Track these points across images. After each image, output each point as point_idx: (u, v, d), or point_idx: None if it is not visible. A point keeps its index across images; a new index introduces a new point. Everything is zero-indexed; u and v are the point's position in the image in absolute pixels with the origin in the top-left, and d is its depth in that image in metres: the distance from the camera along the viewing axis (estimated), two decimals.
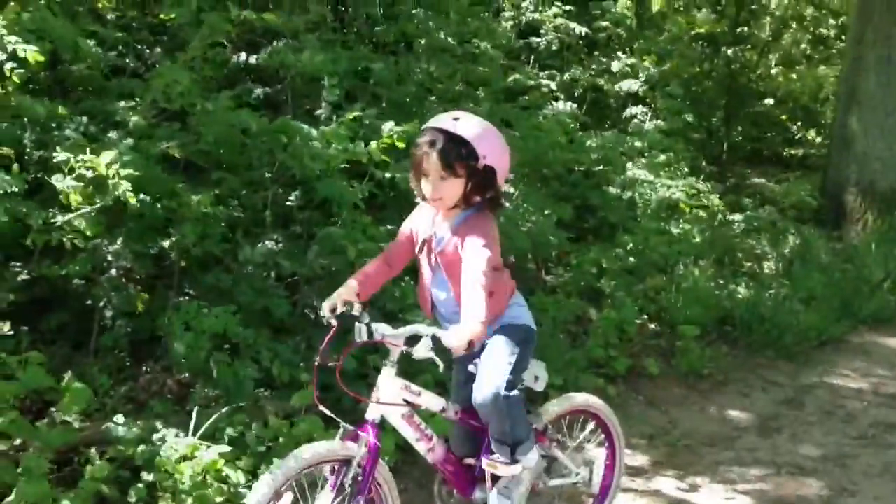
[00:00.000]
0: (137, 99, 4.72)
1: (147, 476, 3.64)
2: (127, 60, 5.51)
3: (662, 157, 8.26)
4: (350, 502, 3.02)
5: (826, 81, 12.79)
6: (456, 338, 2.85)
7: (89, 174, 3.91)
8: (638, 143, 8.34)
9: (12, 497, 3.38)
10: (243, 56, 5.84)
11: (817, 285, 7.73)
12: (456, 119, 3.09)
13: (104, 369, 4.45)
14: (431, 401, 3.30)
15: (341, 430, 3.09)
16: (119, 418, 3.91)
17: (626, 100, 9.27)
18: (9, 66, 4.15)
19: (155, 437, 3.78)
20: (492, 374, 3.18)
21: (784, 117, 12.55)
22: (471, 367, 3.30)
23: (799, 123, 12.75)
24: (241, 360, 4.43)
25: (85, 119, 4.53)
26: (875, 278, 8.24)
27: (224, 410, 3.99)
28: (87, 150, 3.99)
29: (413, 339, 3.00)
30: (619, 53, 9.43)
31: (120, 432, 3.79)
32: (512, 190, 6.73)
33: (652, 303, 6.84)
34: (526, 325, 3.39)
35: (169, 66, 4.84)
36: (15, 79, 4.12)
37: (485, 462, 3.34)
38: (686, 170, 8.56)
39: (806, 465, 4.93)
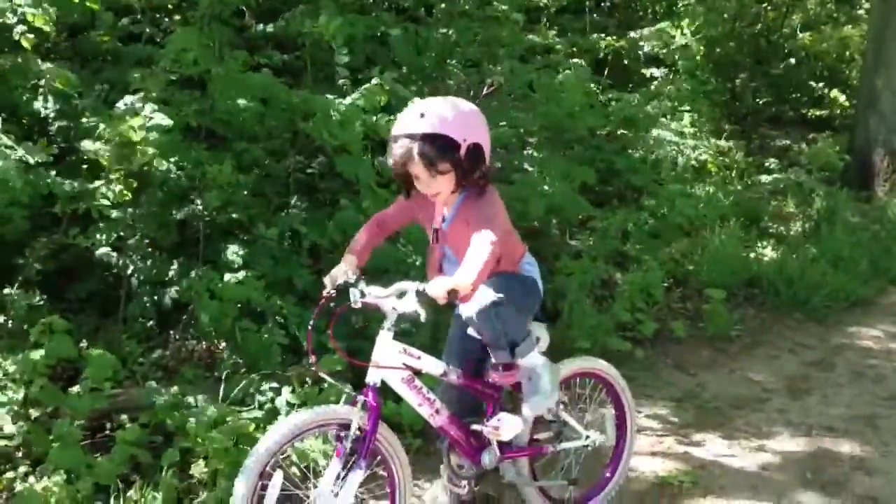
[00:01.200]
0: (153, 66, 4.68)
1: (180, 441, 3.66)
2: (144, 27, 5.49)
3: (686, 119, 8.16)
4: (352, 465, 2.99)
5: (851, 41, 12.57)
6: (438, 286, 2.83)
7: (116, 140, 3.90)
8: (662, 103, 8.22)
9: (48, 463, 3.41)
10: (261, 26, 5.81)
11: (845, 246, 7.65)
12: (422, 115, 3.01)
13: (133, 337, 4.48)
14: (432, 364, 3.27)
15: (344, 395, 3.10)
16: (150, 385, 3.92)
17: (645, 60, 9.13)
18: (19, 29, 4.14)
19: (186, 403, 3.80)
20: (483, 293, 3.13)
21: (809, 78, 12.36)
22: (471, 331, 3.29)
23: (824, 84, 12.56)
24: (267, 327, 4.44)
25: (105, 87, 4.52)
26: None
27: (254, 376, 3.99)
28: (111, 116, 3.99)
29: (403, 296, 3.01)
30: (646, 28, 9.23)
31: (151, 398, 3.80)
32: (535, 153, 6.68)
33: (678, 266, 6.79)
34: (533, 277, 3.40)
35: (181, 32, 4.79)
36: (25, 43, 4.10)
37: (486, 430, 3.32)
38: (710, 130, 8.45)
39: (837, 426, 4.89)
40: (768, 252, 7.39)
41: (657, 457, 4.46)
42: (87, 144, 3.91)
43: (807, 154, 10.04)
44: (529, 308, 3.43)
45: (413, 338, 4.45)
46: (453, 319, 3.52)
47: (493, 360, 3.32)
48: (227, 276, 4.39)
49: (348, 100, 5.06)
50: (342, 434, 3.02)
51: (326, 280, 3.16)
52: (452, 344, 3.48)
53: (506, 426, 3.29)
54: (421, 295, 2.90)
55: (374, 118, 5.05)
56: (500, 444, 3.41)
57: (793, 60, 11.86)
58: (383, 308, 3.07)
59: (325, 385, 4.07)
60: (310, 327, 3.09)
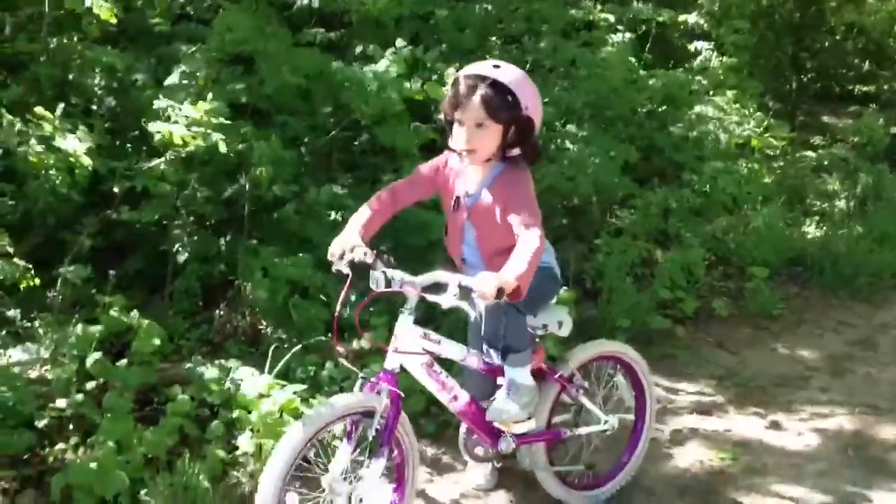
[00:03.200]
0: (202, 45, 4.75)
1: (225, 414, 3.73)
2: (190, 9, 5.56)
3: (730, 94, 8.06)
4: (375, 453, 2.99)
5: None
6: (485, 282, 2.74)
7: (183, 121, 3.99)
8: (704, 81, 8.12)
9: (98, 435, 3.49)
10: (305, 1, 5.83)
11: (891, 224, 7.53)
12: (497, 66, 3.03)
13: (179, 313, 4.56)
14: (452, 349, 3.24)
15: (360, 380, 3.04)
16: (196, 359, 4.00)
17: (690, 35, 9.03)
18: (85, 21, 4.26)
19: (231, 376, 3.86)
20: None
21: (855, 54, 12.14)
22: None
23: (871, 60, 12.32)
24: (311, 303, 4.49)
25: (153, 62, 4.61)
26: None
27: (296, 348, 4.02)
28: (185, 100, 4.08)
29: (434, 287, 2.94)
30: None
31: (198, 372, 3.87)
32: (576, 131, 6.64)
33: (720, 244, 6.73)
34: (550, 265, 3.35)
35: (229, 12, 4.85)
36: (94, 32, 4.21)
37: (488, 417, 3.31)
38: (754, 108, 8.33)
39: (880, 405, 4.86)
40: (812, 230, 7.31)
41: (698, 435, 4.46)
42: (156, 126, 3.99)
43: (851, 130, 9.86)
44: (548, 300, 3.42)
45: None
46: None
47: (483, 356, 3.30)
48: (278, 257, 4.44)
49: (381, 66, 5.09)
50: (358, 420, 2.99)
51: (332, 251, 3.03)
52: (475, 333, 3.43)
53: (500, 408, 3.26)
54: (464, 290, 2.81)
55: (409, 84, 5.06)
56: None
57: (838, 36, 11.64)
58: (406, 293, 3.00)
59: (368, 359, 4.12)
60: (336, 313, 3.00)
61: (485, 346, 3.28)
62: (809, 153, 8.87)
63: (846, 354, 5.61)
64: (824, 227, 7.39)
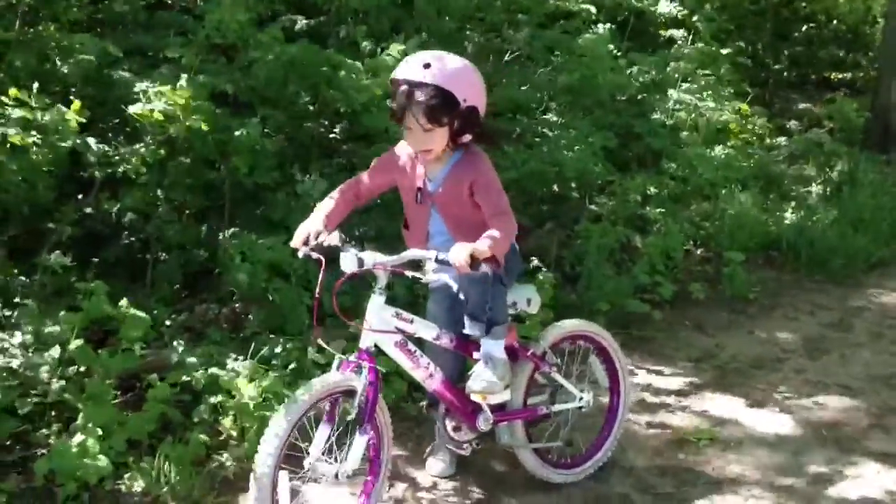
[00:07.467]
0: (189, 35, 4.75)
1: (208, 399, 3.75)
2: None
3: (706, 81, 8.11)
4: (356, 431, 3.04)
5: (875, 2, 12.43)
6: (458, 252, 2.86)
7: (161, 105, 3.98)
8: (681, 65, 8.16)
9: (79, 420, 3.51)
10: None
11: (865, 209, 7.64)
12: (427, 66, 3.02)
13: (160, 300, 4.57)
14: (424, 328, 3.30)
15: (337, 360, 3.11)
16: (179, 344, 4.02)
17: (667, 24, 9.08)
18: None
19: (215, 361, 3.88)
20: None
21: (831, 41, 12.26)
22: (460, 295, 3.30)
23: (846, 47, 12.45)
24: (292, 287, 4.52)
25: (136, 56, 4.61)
26: None
27: (282, 339, 4.06)
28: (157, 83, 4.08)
29: (408, 266, 3.01)
30: None
31: (181, 357, 3.89)
32: (555, 118, 6.69)
33: (698, 229, 6.80)
34: (514, 244, 3.40)
35: (222, 1, 4.85)
36: (72, 16, 4.19)
37: (468, 389, 3.35)
38: (731, 92, 8.40)
39: (854, 386, 4.94)
40: (788, 215, 7.40)
41: (676, 414, 4.53)
42: (135, 108, 3.99)
43: (826, 113, 9.96)
44: (514, 277, 3.49)
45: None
46: (432, 294, 3.57)
47: (465, 329, 3.35)
48: (259, 240, 4.46)
49: (376, 57, 5.15)
50: (336, 400, 3.05)
51: (296, 239, 3.11)
52: (439, 316, 3.48)
53: (479, 378, 3.31)
54: (441, 262, 2.92)
55: None
56: (493, 407, 3.44)
57: (813, 24, 11.75)
58: (377, 273, 3.07)
59: (345, 346, 4.14)
60: (316, 295, 3.09)
61: (467, 320, 3.31)
62: (785, 139, 8.94)
63: (821, 336, 5.70)
64: (800, 212, 7.47)
